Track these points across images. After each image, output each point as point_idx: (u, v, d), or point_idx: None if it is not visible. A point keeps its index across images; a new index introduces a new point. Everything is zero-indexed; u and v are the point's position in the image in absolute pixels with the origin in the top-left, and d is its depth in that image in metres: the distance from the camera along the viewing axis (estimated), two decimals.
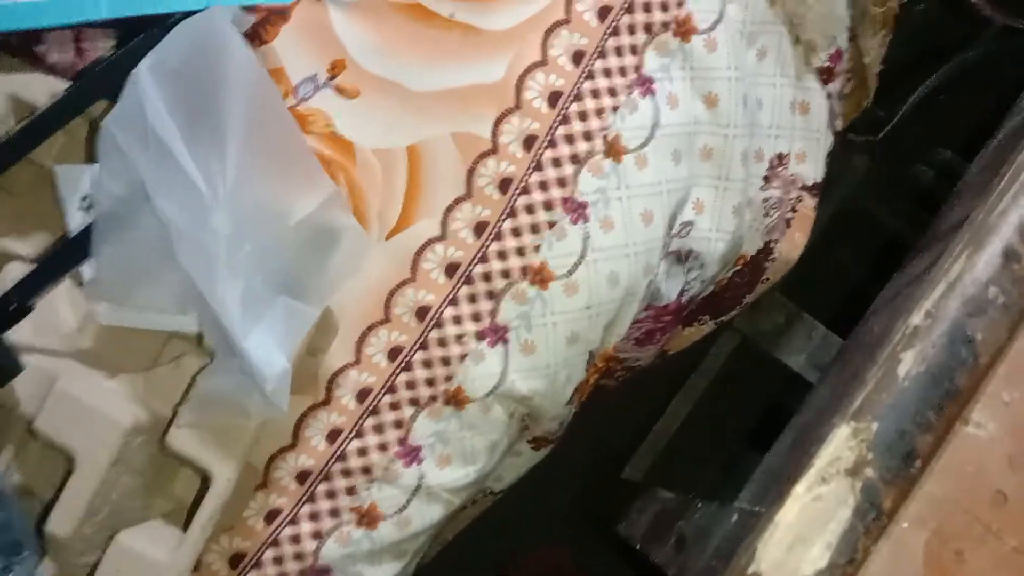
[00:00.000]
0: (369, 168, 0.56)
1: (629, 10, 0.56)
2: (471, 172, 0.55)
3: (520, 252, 0.55)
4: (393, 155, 0.56)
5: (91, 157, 0.55)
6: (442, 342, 0.55)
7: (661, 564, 0.61)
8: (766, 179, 0.62)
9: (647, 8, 0.56)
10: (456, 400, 0.56)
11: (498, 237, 0.55)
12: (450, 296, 0.55)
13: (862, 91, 0.67)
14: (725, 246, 0.60)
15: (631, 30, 0.56)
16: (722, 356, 0.91)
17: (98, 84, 0.53)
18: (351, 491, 0.56)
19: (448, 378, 0.55)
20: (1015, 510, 0.39)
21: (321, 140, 0.56)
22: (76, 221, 0.55)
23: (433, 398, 0.56)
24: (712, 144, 0.58)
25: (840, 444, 0.38)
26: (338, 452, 0.55)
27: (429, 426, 0.56)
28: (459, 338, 0.55)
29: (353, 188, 0.56)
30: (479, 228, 0.55)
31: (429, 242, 0.55)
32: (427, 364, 0.55)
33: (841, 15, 0.61)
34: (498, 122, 0.55)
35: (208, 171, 0.49)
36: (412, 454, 0.56)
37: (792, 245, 0.65)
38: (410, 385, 0.56)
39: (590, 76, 0.56)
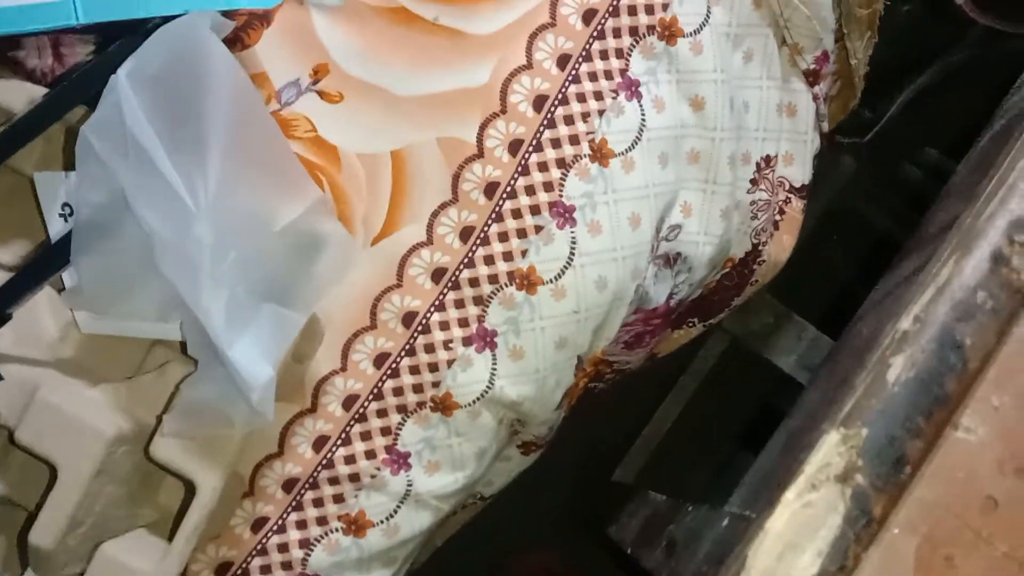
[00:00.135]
0: (354, 173, 0.55)
1: (614, 13, 0.56)
2: (457, 177, 0.55)
3: (507, 257, 0.55)
4: (378, 160, 0.55)
5: (70, 164, 0.54)
6: (429, 348, 0.55)
7: (651, 568, 0.60)
8: (753, 182, 0.62)
9: (632, 11, 0.56)
10: (444, 406, 0.55)
11: (485, 242, 0.55)
12: (437, 302, 0.55)
13: (849, 93, 0.67)
14: (713, 249, 0.60)
15: (616, 33, 0.56)
16: (712, 357, 0.91)
17: (76, 90, 0.52)
18: (339, 499, 0.55)
19: (436, 384, 0.55)
20: (1006, 515, 0.38)
21: (305, 145, 0.55)
22: (56, 228, 0.54)
23: (421, 404, 0.55)
24: (699, 147, 0.58)
25: (830, 450, 0.38)
26: (325, 460, 0.55)
27: (417, 433, 0.55)
28: (446, 344, 0.55)
29: (338, 193, 0.55)
30: (465, 233, 0.55)
31: (415, 247, 0.55)
32: (414, 370, 0.55)
33: (827, 17, 0.61)
34: (483, 126, 0.55)
35: (190, 179, 0.48)
36: (400, 461, 0.55)
37: (780, 247, 0.65)
38: (397, 392, 0.55)
39: (576, 80, 0.55)
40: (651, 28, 0.56)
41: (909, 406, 0.39)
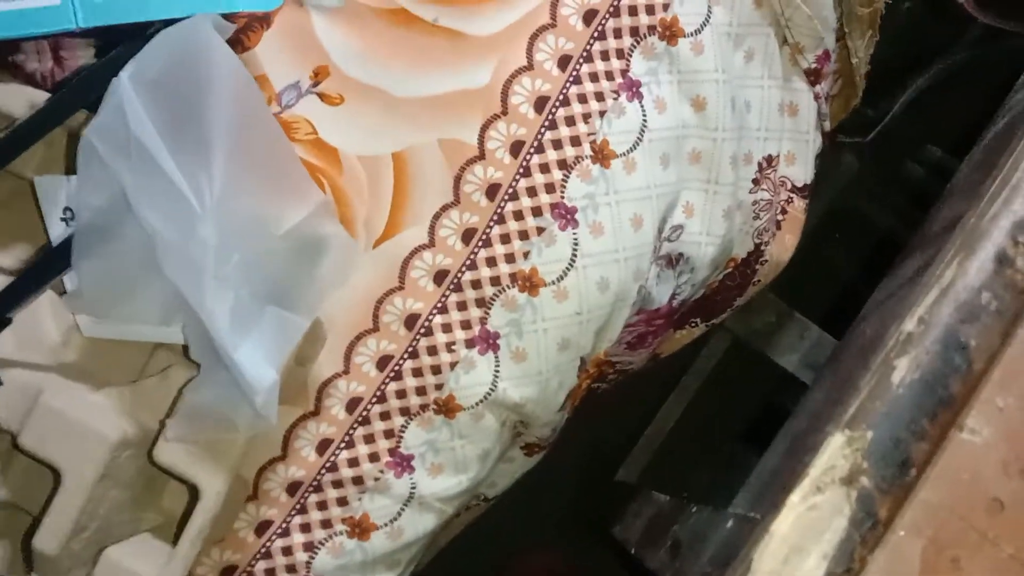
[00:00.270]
0: (355, 175, 0.55)
1: (615, 14, 0.56)
2: (458, 179, 0.55)
3: (509, 259, 0.55)
4: (379, 162, 0.55)
5: (71, 168, 0.54)
6: (432, 351, 0.55)
7: (656, 569, 0.60)
8: (755, 181, 0.62)
9: (633, 11, 0.56)
10: (447, 409, 0.55)
11: (487, 244, 0.55)
12: (439, 304, 0.55)
13: (851, 91, 0.67)
14: (715, 249, 0.60)
15: (617, 34, 0.56)
16: (714, 356, 0.91)
17: (77, 95, 0.52)
18: (342, 502, 0.55)
19: (439, 387, 0.55)
20: (1011, 517, 0.38)
21: (306, 147, 0.55)
22: (57, 232, 0.54)
23: (424, 407, 0.55)
24: (701, 147, 0.58)
25: (834, 452, 0.38)
26: (328, 463, 0.55)
27: (420, 435, 0.55)
28: (449, 346, 0.55)
29: (339, 196, 0.55)
30: (467, 235, 0.55)
31: (417, 250, 0.55)
32: (417, 373, 0.55)
33: (828, 16, 0.61)
34: (484, 128, 0.55)
35: (195, 180, 0.48)
36: (403, 464, 0.55)
37: (782, 247, 0.65)
38: (400, 394, 0.55)
39: (577, 80, 0.55)
40: (652, 28, 0.56)
41: (914, 408, 0.39)
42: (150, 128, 0.48)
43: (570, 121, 0.55)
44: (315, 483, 0.55)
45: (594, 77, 0.56)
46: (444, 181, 0.55)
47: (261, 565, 0.55)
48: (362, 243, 0.55)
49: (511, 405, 0.56)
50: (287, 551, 0.55)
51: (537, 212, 0.55)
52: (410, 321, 0.55)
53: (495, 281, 0.55)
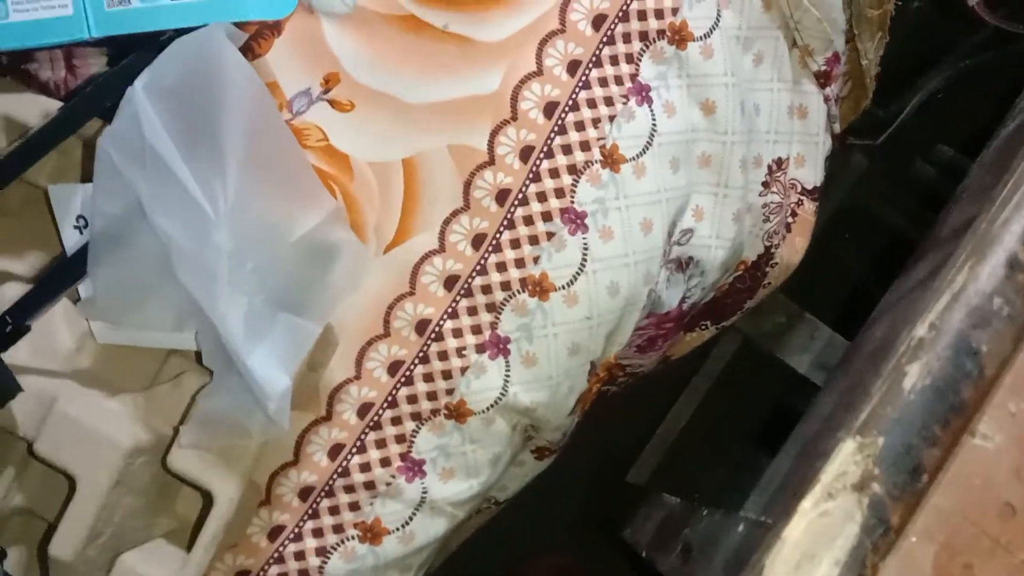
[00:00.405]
0: (366, 182, 0.55)
1: (624, 18, 0.56)
2: (468, 184, 0.55)
3: (519, 264, 0.55)
4: (389, 168, 0.56)
5: (85, 176, 0.55)
6: (442, 355, 0.55)
7: (667, 572, 0.60)
8: (765, 184, 0.62)
9: (642, 16, 0.56)
10: (458, 414, 0.55)
11: (497, 249, 0.55)
12: (450, 309, 0.55)
13: (860, 93, 0.67)
14: (725, 253, 0.60)
15: (626, 38, 0.56)
16: (724, 358, 0.90)
17: (91, 103, 0.53)
18: (354, 507, 0.55)
19: (449, 391, 0.55)
20: None
21: (317, 154, 0.56)
22: (71, 240, 0.54)
23: (435, 412, 0.55)
24: (710, 151, 0.58)
25: (846, 459, 0.38)
26: (340, 468, 0.55)
27: (431, 440, 0.56)
28: (460, 351, 0.55)
29: (350, 202, 0.55)
30: (477, 240, 0.55)
31: (427, 255, 0.55)
32: (428, 378, 0.55)
33: (837, 18, 0.61)
34: (494, 133, 0.55)
35: (209, 187, 0.49)
36: (415, 468, 0.56)
37: (793, 250, 0.65)
38: (411, 399, 0.55)
39: (586, 86, 0.55)
40: (661, 32, 0.56)
41: (925, 414, 0.39)
42: (164, 137, 0.48)
43: (580, 126, 0.55)
44: (327, 488, 0.55)
45: (603, 82, 0.56)
46: (454, 187, 0.55)
47: (274, 570, 0.55)
48: (373, 249, 0.55)
49: (522, 409, 0.56)
50: (299, 556, 0.55)
51: (547, 217, 0.55)
52: (421, 326, 0.55)
53: (505, 286, 0.55)
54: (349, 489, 0.55)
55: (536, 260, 0.55)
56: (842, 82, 0.66)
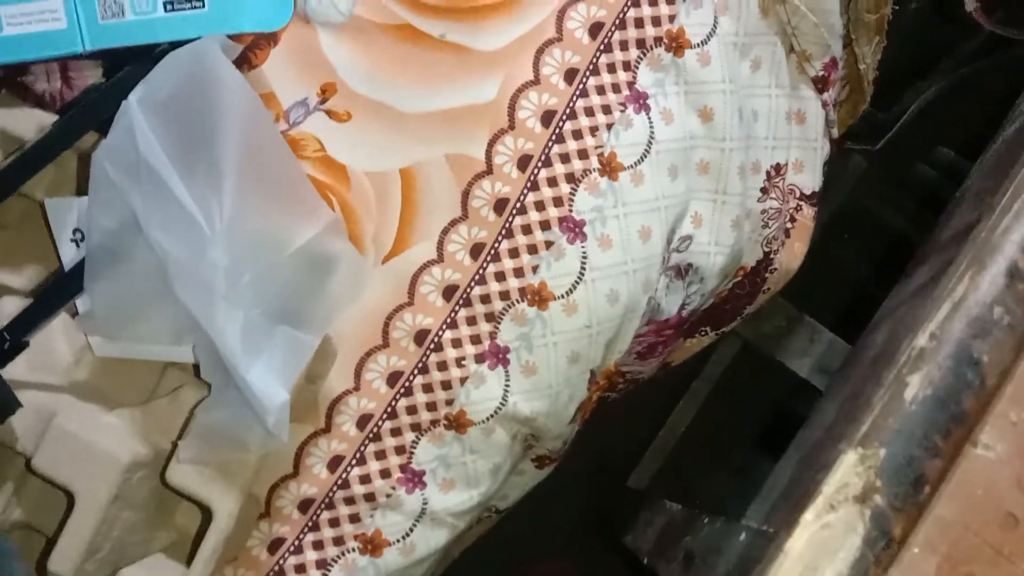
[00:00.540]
0: (363, 192, 0.55)
1: (621, 26, 0.56)
2: (466, 194, 0.55)
3: (518, 273, 0.55)
4: (387, 178, 0.55)
5: (81, 189, 0.55)
6: (442, 366, 0.55)
7: None
8: (764, 190, 0.62)
9: (639, 24, 0.56)
10: (458, 424, 0.55)
11: (495, 258, 0.55)
12: (448, 319, 0.55)
13: (858, 97, 0.66)
14: (724, 259, 0.60)
15: (623, 46, 0.56)
16: (724, 362, 0.90)
17: (86, 117, 0.52)
18: (354, 519, 0.55)
19: (449, 402, 0.55)
20: None
21: (314, 165, 0.55)
22: (68, 253, 0.54)
23: (434, 423, 0.55)
24: (709, 158, 0.58)
25: (847, 470, 0.38)
26: (340, 480, 0.55)
27: (431, 451, 0.55)
28: (459, 361, 0.55)
29: (347, 212, 0.55)
30: (476, 250, 0.55)
31: (426, 265, 0.55)
32: (427, 388, 0.55)
33: (834, 23, 0.61)
34: (492, 143, 0.55)
35: (205, 202, 0.48)
36: (415, 479, 0.55)
37: (792, 255, 0.65)
38: (411, 410, 0.55)
39: (583, 94, 0.55)
40: (658, 40, 0.56)
41: (927, 424, 0.39)
42: (159, 151, 0.48)
43: (577, 134, 0.55)
44: (327, 500, 0.55)
45: (601, 90, 0.55)
46: (452, 196, 0.55)
47: None
48: (371, 259, 0.55)
49: (522, 419, 0.56)
50: (300, 569, 0.55)
51: (545, 226, 0.55)
52: (420, 337, 0.55)
53: (504, 295, 0.55)
54: (349, 501, 0.55)
55: (535, 269, 0.55)
56: (840, 87, 0.65)
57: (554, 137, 0.55)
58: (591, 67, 0.56)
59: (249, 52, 0.56)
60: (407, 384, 0.55)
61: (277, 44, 0.56)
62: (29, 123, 0.54)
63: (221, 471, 0.50)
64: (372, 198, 0.55)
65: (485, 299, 0.55)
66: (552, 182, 0.55)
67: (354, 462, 0.55)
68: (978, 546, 0.38)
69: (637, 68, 0.56)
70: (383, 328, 0.55)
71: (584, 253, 0.55)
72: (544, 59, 0.55)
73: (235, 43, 0.54)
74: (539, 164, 0.55)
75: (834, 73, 0.63)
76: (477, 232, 0.55)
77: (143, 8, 0.53)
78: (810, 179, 0.64)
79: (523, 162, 0.55)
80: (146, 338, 0.53)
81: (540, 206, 0.55)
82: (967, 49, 0.80)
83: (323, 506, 0.55)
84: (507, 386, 0.55)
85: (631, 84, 0.56)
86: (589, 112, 0.55)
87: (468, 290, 0.55)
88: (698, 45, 0.57)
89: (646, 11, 0.56)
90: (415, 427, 0.55)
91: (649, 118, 0.56)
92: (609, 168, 0.55)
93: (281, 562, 0.55)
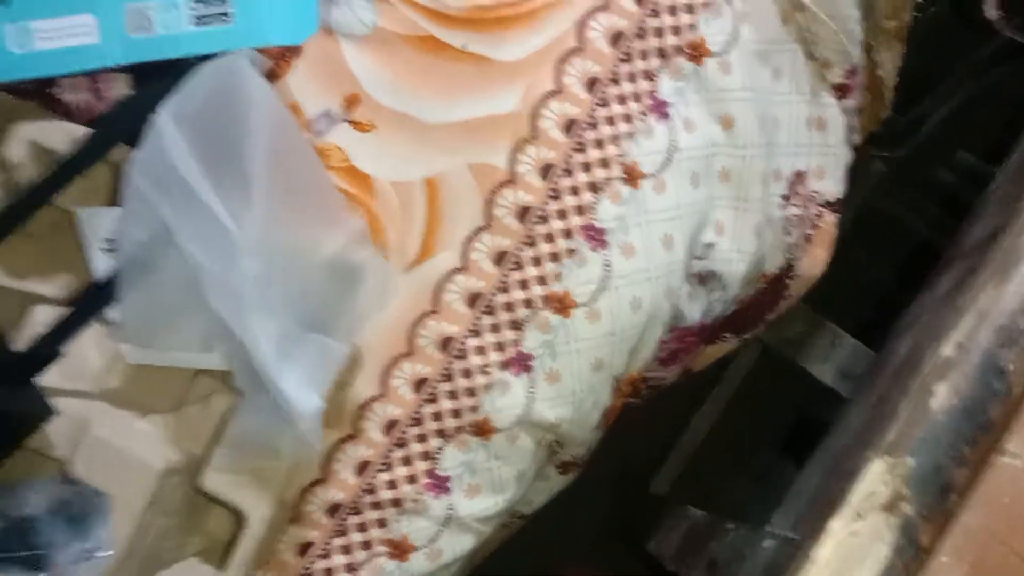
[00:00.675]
0: (388, 201, 0.56)
1: (641, 36, 0.56)
2: (489, 202, 0.56)
3: (541, 281, 0.55)
4: (411, 188, 0.56)
5: (111, 198, 0.56)
6: (466, 373, 0.56)
7: None
8: (785, 197, 0.62)
9: (659, 33, 0.56)
10: (483, 430, 0.56)
11: (519, 266, 0.56)
12: (473, 327, 0.56)
13: (879, 103, 0.66)
14: (747, 266, 0.60)
15: (644, 55, 0.56)
16: (745, 367, 0.90)
17: (116, 130, 0.53)
18: (382, 523, 0.56)
19: (474, 408, 0.56)
20: None
21: (339, 175, 0.56)
22: (99, 263, 0.55)
23: (459, 429, 0.56)
24: (730, 166, 0.58)
25: (874, 479, 0.38)
26: (367, 485, 0.56)
27: (456, 457, 0.56)
28: (483, 368, 0.55)
29: (372, 222, 0.56)
30: (499, 258, 0.56)
31: (450, 273, 0.56)
32: (452, 395, 0.56)
33: (854, 30, 0.61)
34: (514, 152, 0.55)
35: (235, 213, 0.49)
36: (441, 485, 0.56)
37: (814, 262, 0.65)
38: (436, 416, 0.56)
39: (605, 103, 0.56)
40: (678, 49, 0.57)
41: (954, 434, 0.39)
42: (190, 162, 0.49)
43: (599, 143, 0.56)
44: (354, 505, 0.56)
45: (622, 99, 0.56)
46: (475, 205, 0.55)
47: None
48: (396, 267, 0.56)
49: (546, 426, 0.56)
50: (328, 573, 0.56)
51: (568, 234, 0.55)
52: (444, 344, 0.55)
53: (528, 303, 0.55)
54: (376, 506, 0.56)
55: (558, 277, 0.55)
56: (860, 93, 0.65)
57: (576, 146, 0.56)
58: (612, 76, 0.56)
59: (274, 64, 0.57)
60: (432, 391, 0.56)
61: (301, 56, 0.57)
62: (59, 135, 0.55)
63: (254, 478, 0.51)
64: (397, 207, 0.56)
65: (509, 307, 0.55)
66: (574, 190, 0.55)
67: (381, 468, 0.56)
68: (1005, 555, 0.38)
69: (658, 77, 0.57)
70: (408, 335, 0.56)
71: (607, 261, 0.56)
72: (565, 68, 0.56)
73: (262, 56, 0.55)
74: (561, 173, 0.55)
75: (854, 80, 0.63)
76: (500, 240, 0.55)
77: (172, 23, 0.53)
78: (832, 186, 0.64)
79: (545, 171, 0.55)
80: (177, 347, 0.53)
81: (563, 214, 0.55)
82: (984, 54, 0.80)
83: (351, 511, 0.56)
84: (531, 393, 0.56)
85: (652, 93, 0.56)
86: (610, 121, 0.56)
87: (492, 298, 0.56)
88: (719, 53, 0.57)
89: (666, 20, 0.56)
90: (441, 433, 0.56)
91: (670, 127, 0.56)
92: (631, 177, 0.56)
93: (310, 566, 0.56)
